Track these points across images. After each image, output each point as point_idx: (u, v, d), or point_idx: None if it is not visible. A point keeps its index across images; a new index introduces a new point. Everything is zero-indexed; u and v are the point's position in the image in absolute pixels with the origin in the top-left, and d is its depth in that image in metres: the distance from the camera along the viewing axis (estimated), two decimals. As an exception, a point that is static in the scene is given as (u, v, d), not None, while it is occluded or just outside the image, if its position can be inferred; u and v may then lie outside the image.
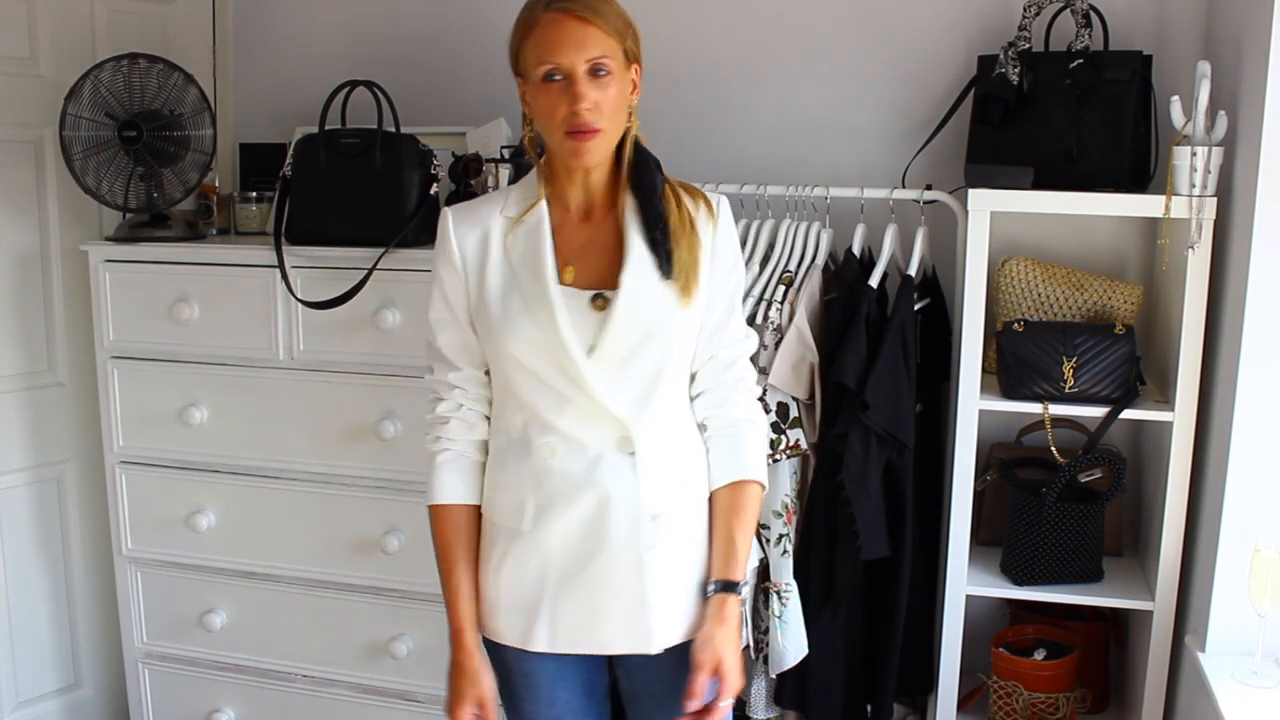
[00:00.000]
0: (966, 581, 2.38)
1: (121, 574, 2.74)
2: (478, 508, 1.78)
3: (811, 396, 2.33)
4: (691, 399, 1.79)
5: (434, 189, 2.47)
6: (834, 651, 2.39)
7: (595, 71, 1.63)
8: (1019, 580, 2.39)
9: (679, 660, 1.72)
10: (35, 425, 2.74)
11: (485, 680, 1.75)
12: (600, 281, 1.71)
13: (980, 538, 2.56)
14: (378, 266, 2.35)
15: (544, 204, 1.74)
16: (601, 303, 1.70)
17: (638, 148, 1.75)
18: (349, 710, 2.63)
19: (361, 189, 2.43)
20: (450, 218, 1.76)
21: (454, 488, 1.77)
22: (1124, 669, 2.62)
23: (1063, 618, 2.60)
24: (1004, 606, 2.69)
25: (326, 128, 2.47)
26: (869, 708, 2.46)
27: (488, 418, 1.80)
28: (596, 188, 1.75)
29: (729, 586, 1.73)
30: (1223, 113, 2.13)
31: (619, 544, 1.69)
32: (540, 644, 1.73)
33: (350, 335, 2.44)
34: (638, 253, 1.70)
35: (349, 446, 2.49)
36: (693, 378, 1.78)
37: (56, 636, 2.84)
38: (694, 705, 1.67)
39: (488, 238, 1.74)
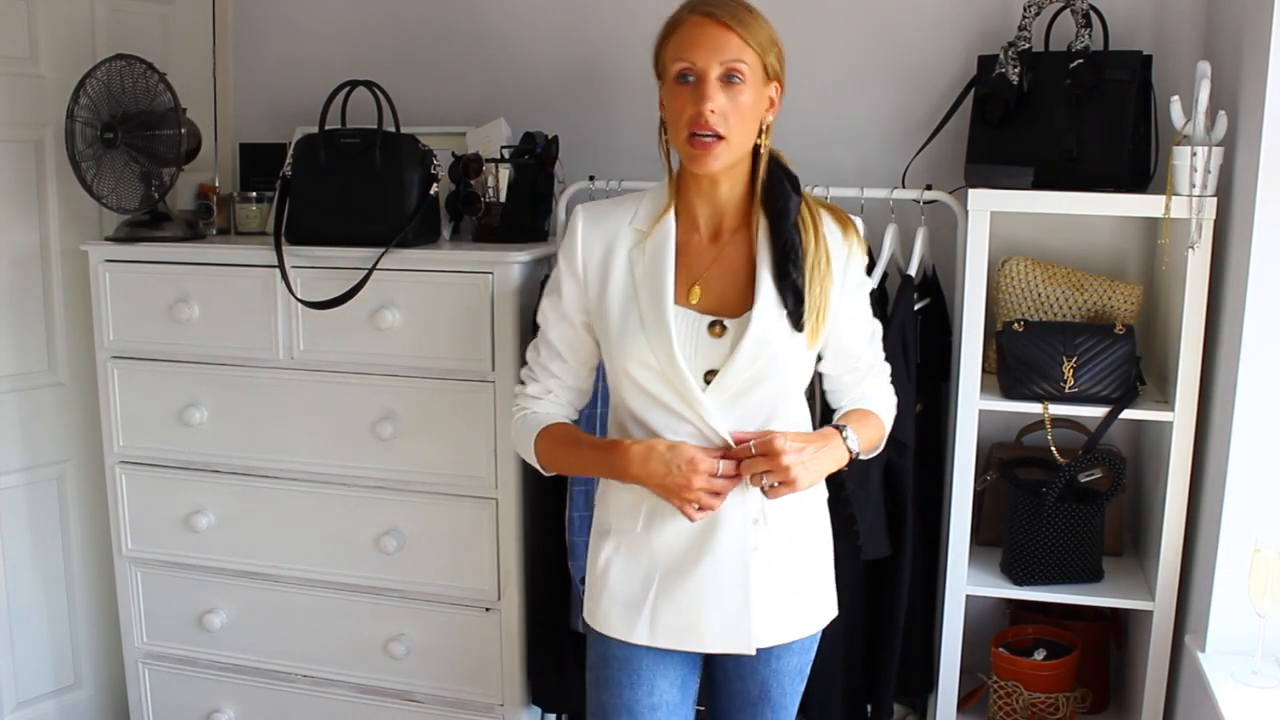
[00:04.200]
0: (966, 581, 2.38)
1: (121, 574, 2.74)
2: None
3: (811, 397, 2.33)
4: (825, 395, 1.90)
5: (434, 189, 2.47)
6: (834, 651, 2.39)
7: (729, 78, 1.62)
8: (1019, 580, 2.38)
9: (776, 668, 1.79)
10: (35, 425, 2.74)
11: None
12: (722, 307, 1.70)
13: (980, 538, 2.56)
14: (378, 266, 2.35)
15: (671, 218, 1.73)
16: (719, 329, 1.69)
17: (773, 166, 1.74)
18: (349, 710, 2.63)
19: (361, 189, 2.43)
20: (581, 222, 1.75)
21: (547, 419, 1.81)
22: (1124, 669, 2.62)
23: (1063, 618, 2.60)
24: (1004, 606, 2.69)
25: (326, 128, 2.47)
26: (869, 708, 2.47)
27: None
28: (727, 204, 1.73)
29: (840, 428, 1.76)
30: (1223, 113, 2.13)
31: (725, 549, 1.71)
32: (641, 637, 1.75)
33: (350, 335, 2.44)
34: (767, 288, 1.68)
35: (349, 446, 2.49)
36: (830, 386, 1.88)
37: (56, 636, 2.84)
38: (733, 455, 1.65)
39: (614, 248, 1.73)
